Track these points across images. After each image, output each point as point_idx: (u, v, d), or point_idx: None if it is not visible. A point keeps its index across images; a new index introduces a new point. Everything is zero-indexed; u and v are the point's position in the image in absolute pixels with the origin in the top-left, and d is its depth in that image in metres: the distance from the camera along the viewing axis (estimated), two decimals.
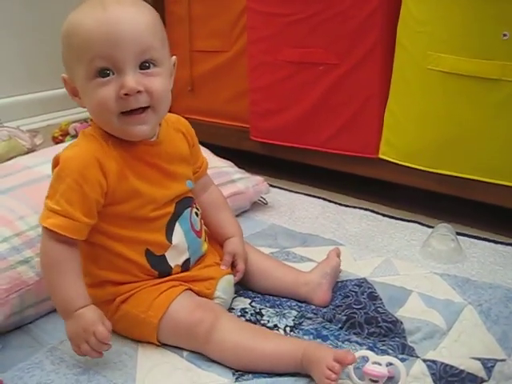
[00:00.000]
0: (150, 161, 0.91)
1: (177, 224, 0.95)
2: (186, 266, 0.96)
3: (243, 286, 1.07)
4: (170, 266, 0.94)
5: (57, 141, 2.17)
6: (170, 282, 0.92)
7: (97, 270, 0.92)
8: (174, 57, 0.95)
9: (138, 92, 0.83)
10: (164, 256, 0.94)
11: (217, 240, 1.07)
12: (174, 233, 0.94)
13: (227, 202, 1.14)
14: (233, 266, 1.03)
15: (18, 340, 0.94)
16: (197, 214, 1.00)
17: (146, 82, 0.84)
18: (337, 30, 1.44)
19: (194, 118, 1.89)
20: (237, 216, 1.41)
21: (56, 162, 0.89)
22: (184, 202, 0.97)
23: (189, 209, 0.98)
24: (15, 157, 1.59)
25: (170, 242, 0.93)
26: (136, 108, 0.85)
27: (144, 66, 0.85)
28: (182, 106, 1.97)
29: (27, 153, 1.71)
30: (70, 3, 2.31)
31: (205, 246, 1.01)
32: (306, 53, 1.51)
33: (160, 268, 0.93)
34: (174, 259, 0.95)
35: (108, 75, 0.83)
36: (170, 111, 2.18)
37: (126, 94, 0.82)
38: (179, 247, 0.95)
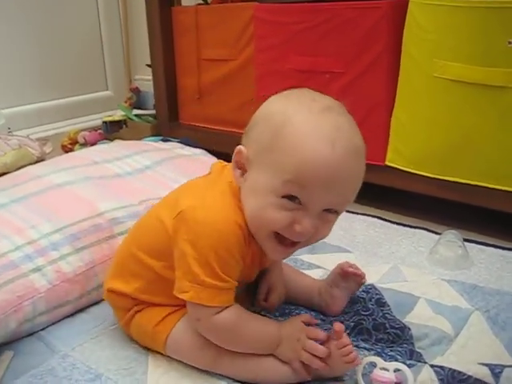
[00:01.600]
0: (262, 257, 0.89)
1: None
2: None
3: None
4: None
5: (66, 149, 2.20)
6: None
7: (129, 289, 0.91)
8: None
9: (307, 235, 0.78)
10: None
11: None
12: None
13: (284, 265, 1.07)
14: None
15: (31, 347, 0.95)
16: None
17: (319, 228, 0.79)
18: (343, 39, 1.46)
19: (202, 125, 1.91)
20: None
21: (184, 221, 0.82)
22: None
23: None
24: (25, 165, 1.61)
25: None
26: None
27: (329, 210, 0.78)
28: (189, 113, 2.00)
29: (37, 161, 1.73)
30: (82, 13, 2.35)
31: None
32: (312, 61, 1.52)
33: None
34: None
35: (294, 201, 0.76)
36: (177, 119, 2.20)
37: (299, 233, 0.77)
38: None
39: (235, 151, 0.82)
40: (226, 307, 0.82)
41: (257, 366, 0.85)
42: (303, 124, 0.75)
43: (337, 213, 0.80)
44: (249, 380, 0.85)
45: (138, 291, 0.91)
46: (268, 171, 0.77)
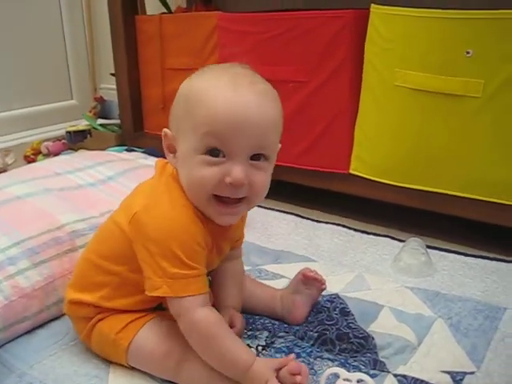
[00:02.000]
0: (217, 240, 0.89)
1: None
2: None
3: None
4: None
5: (29, 160, 2.16)
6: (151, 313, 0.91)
7: (88, 296, 0.90)
8: (279, 145, 0.88)
9: (241, 185, 0.79)
10: None
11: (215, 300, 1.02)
12: None
13: (243, 278, 1.06)
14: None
15: None
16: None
17: (252, 176, 0.79)
18: (306, 48, 1.46)
19: None
20: None
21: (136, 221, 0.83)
22: None
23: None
24: None
25: None
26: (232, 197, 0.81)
27: (256, 157, 0.80)
28: (154, 123, 1.98)
29: None
30: (44, 20, 2.31)
31: None
32: (276, 70, 1.52)
33: (160, 308, 0.92)
34: None
35: (218, 156, 0.78)
36: (141, 129, 2.18)
37: (230, 183, 0.78)
38: None
39: (162, 136, 0.86)
40: (212, 308, 0.83)
41: (222, 378, 0.83)
42: (204, 82, 0.80)
43: (266, 159, 0.81)
44: None
45: (102, 299, 0.90)
46: (187, 136, 0.80)
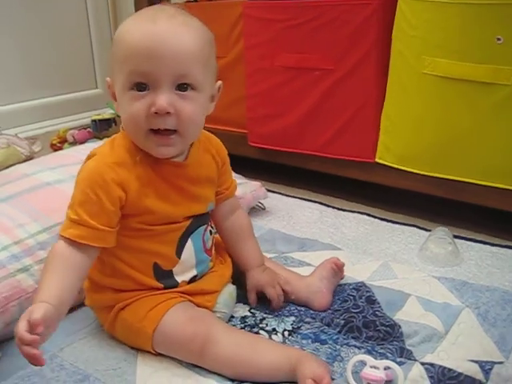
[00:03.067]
0: (174, 182, 0.90)
1: (189, 240, 0.94)
2: (192, 282, 0.96)
3: (245, 289, 1.07)
4: (176, 281, 0.94)
5: (55, 148, 2.18)
6: (168, 294, 0.92)
7: (100, 276, 0.93)
8: (220, 82, 0.93)
9: (168, 113, 0.81)
10: (171, 271, 0.93)
11: (238, 267, 1.06)
12: (184, 249, 0.93)
13: (252, 227, 1.10)
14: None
15: (18, 348, 0.94)
16: (211, 232, 1.00)
17: (177, 105, 0.82)
18: (332, 36, 1.45)
19: None
20: None
21: (85, 160, 0.90)
22: (200, 219, 0.96)
23: (204, 226, 0.97)
24: (13, 164, 1.60)
25: (179, 258, 0.93)
26: (163, 129, 0.83)
27: (182, 87, 0.83)
28: None
29: (25, 160, 1.71)
30: (70, 11, 2.33)
31: (211, 263, 1.01)
32: (302, 58, 1.52)
33: (166, 282, 0.93)
34: (181, 275, 0.94)
35: (144, 89, 0.82)
36: None
37: (155, 113, 0.81)
38: (187, 263, 0.94)
39: (106, 86, 0.90)
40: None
41: (246, 362, 0.84)
42: (127, 22, 0.85)
43: (193, 89, 0.84)
44: (236, 376, 0.84)
45: (111, 277, 0.92)
46: (117, 76, 0.85)
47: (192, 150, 0.93)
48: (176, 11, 0.84)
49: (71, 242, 0.83)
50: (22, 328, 0.73)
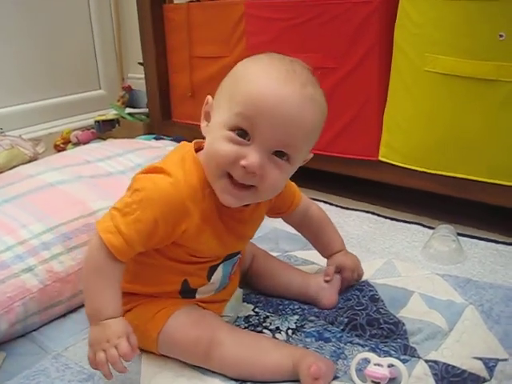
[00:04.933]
0: (229, 222, 0.88)
1: (220, 267, 0.94)
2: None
3: (250, 287, 1.09)
4: (195, 296, 0.94)
5: (59, 149, 2.19)
6: (175, 300, 0.92)
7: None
8: (311, 155, 0.89)
9: (253, 173, 0.78)
10: (196, 289, 0.94)
11: (321, 254, 1.12)
12: (214, 274, 0.94)
13: (326, 216, 1.11)
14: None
15: (23, 347, 0.95)
16: (239, 258, 1.00)
17: (267, 170, 0.78)
18: (334, 34, 1.45)
19: (195, 123, 1.89)
20: None
21: (152, 170, 0.85)
22: (237, 252, 0.97)
23: (237, 256, 0.97)
24: (17, 165, 1.60)
25: (209, 281, 0.93)
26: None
27: (279, 154, 0.79)
28: (182, 111, 1.99)
29: (29, 161, 1.72)
30: (73, 12, 2.34)
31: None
32: (304, 57, 1.48)
33: (186, 295, 0.93)
34: (202, 294, 0.95)
35: (244, 138, 0.78)
36: (169, 117, 2.18)
37: (243, 167, 0.77)
38: (212, 286, 0.95)
39: (204, 103, 0.86)
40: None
41: (251, 363, 0.85)
42: (260, 66, 0.80)
43: (288, 159, 0.81)
44: (242, 377, 0.85)
45: (125, 282, 0.90)
46: (223, 108, 0.80)
47: None
48: (307, 79, 0.80)
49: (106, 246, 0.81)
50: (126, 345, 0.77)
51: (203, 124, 0.86)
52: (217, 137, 0.80)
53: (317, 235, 1.10)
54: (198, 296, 0.94)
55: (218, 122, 0.80)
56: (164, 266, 0.89)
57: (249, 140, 0.78)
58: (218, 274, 0.94)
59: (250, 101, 0.76)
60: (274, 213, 1.05)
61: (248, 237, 0.97)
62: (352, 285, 1.08)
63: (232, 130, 0.78)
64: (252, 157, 0.77)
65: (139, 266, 0.90)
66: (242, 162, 0.77)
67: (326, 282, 1.04)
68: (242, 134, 0.78)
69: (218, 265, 0.93)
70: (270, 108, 0.76)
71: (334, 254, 1.08)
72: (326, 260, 1.11)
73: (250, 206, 0.91)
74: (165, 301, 0.91)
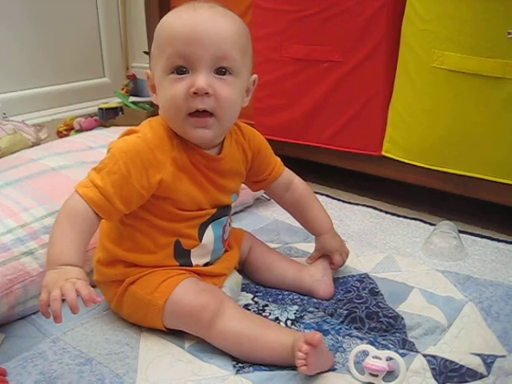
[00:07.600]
0: (206, 173, 0.93)
1: (210, 227, 0.96)
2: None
3: (248, 279, 1.09)
4: (191, 263, 0.96)
5: (61, 135, 2.19)
6: (180, 270, 0.93)
7: (116, 249, 0.93)
8: (255, 75, 0.96)
9: (206, 94, 0.84)
10: (190, 252, 0.95)
11: (309, 233, 1.13)
12: (205, 234, 0.96)
13: (313, 193, 1.13)
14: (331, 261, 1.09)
15: (22, 330, 0.95)
16: (230, 224, 1.02)
17: (216, 87, 0.85)
18: (342, 28, 1.45)
19: None
20: (240, 211, 1.43)
21: (123, 135, 0.90)
22: (223, 210, 0.98)
23: (226, 217, 1.00)
24: (20, 150, 1.60)
25: (200, 241, 0.95)
26: (201, 111, 0.85)
27: (220, 71, 0.86)
28: None
29: (32, 147, 1.71)
30: (77, 1, 2.32)
31: (222, 253, 1.03)
32: (310, 50, 1.51)
33: (182, 262, 0.95)
34: (197, 259, 0.97)
35: (184, 73, 0.85)
36: None
37: (194, 93, 0.83)
38: (205, 249, 0.97)
39: (146, 78, 0.93)
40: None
41: (254, 336, 0.85)
42: (169, 13, 0.89)
43: (230, 73, 0.87)
44: (241, 350, 0.85)
45: (129, 251, 0.93)
46: (157, 62, 0.87)
47: (225, 143, 0.95)
48: (215, 4, 0.88)
49: (84, 200, 0.83)
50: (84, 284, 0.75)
51: (153, 97, 0.92)
52: (164, 87, 0.87)
53: (301, 211, 1.11)
54: (193, 261, 0.95)
55: (158, 75, 0.87)
56: (155, 227, 0.91)
57: (188, 73, 0.85)
58: (208, 235, 0.96)
59: (172, 38, 0.84)
60: (254, 177, 1.07)
61: (228, 189, 0.98)
62: (345, 276, 1.10)
63: (172, 72, 0.85)
64: (198, 80, 0.83)
65: (132, 232, 0.92)
66: (192, 89, 0.83)
67: (309, 264, 1.09)
68: (181, 69, 0.85)
69: (207, 223, 0.95)
70: (187, 31, 0.83)
71: (322, 236, 1.09)
72: None
73: (224, 155, 0.94)
74: (170, 271, 0.92)
